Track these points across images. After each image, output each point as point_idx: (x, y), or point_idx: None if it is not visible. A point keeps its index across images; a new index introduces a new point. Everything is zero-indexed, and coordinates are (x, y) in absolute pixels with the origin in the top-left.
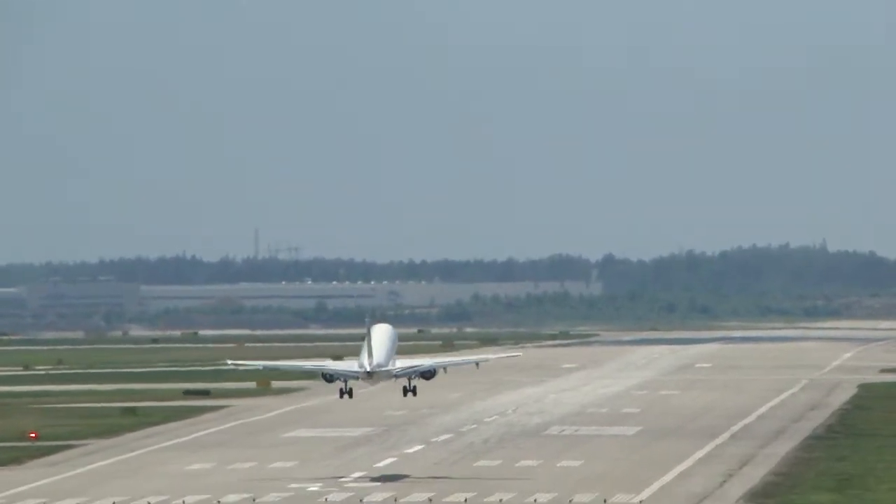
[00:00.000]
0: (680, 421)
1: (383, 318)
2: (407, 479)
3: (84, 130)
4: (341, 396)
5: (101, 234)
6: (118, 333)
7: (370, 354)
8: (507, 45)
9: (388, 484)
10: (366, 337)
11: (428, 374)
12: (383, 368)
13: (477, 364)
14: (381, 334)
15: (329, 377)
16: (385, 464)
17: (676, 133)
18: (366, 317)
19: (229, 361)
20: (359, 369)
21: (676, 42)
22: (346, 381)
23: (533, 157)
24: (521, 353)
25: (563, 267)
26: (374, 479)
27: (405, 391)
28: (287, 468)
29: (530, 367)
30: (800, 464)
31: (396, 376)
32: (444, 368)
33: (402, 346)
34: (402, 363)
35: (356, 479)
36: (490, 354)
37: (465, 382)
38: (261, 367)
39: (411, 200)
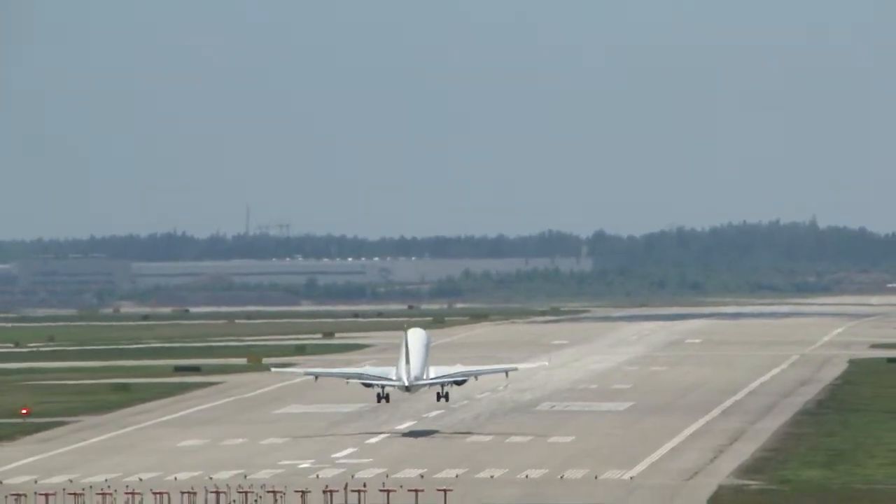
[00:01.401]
0: (671, 397)
1: (374, 295)
2: (436, 435)
3: (75, 109)
4: (378, 401)
5: (92, 211)
6: (109, 310)
7: (407, 362)
8: (496, 23)
9: (382, 459)
10: (403, 343)
11: (460, 381)
12: (420, 382)
13: (506, 373)
14: (417, 342)
15: (368, 384)
16: (377, 440)
17: (667, 110)
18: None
19: (273, 370)
20: (396, 381)
21: (661, 21)
22: (383, 387)
23: (523, 135)
24: (547, 363)
25: (553, 243)
26: (405, 435)
27: (438, 397)
28: (278, 445)
29: (521, 344)
30: (790, 439)
31: (431, 385)
32: (476, 377)
33: (392, 324)
34: (435, 371)
35: (348, 456)
36: (519, 364)
37: (455, 359)
38: (303, 373)
39: (402, 177)
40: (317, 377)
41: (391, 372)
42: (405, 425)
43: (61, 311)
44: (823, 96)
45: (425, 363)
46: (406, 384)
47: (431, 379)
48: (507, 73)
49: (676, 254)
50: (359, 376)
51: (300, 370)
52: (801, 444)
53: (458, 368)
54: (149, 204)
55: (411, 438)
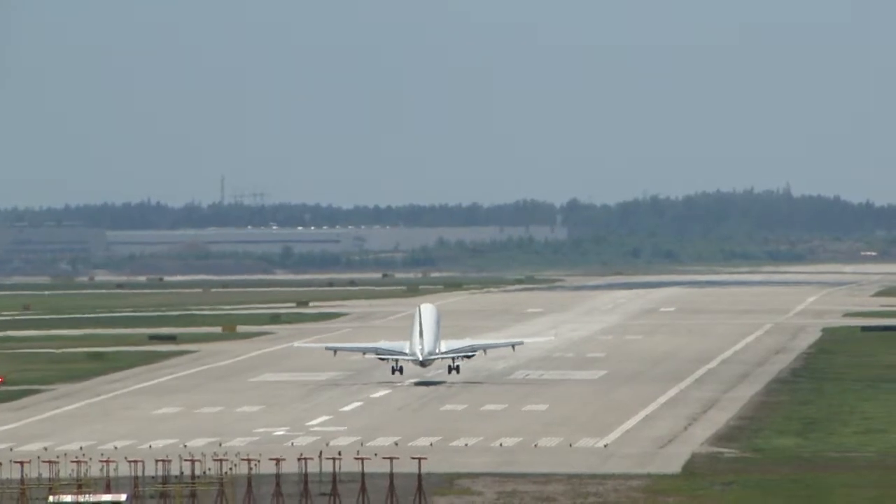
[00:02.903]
0: (645, 365)
1: (348, 263)
2: (444, 384)
3: (51, 78)
4: (393, 373)
5: (67, 179)
6: (84, 279)
7: (421, 337)
8: None
9: (357, 427)
10: (415, 318)
11: (470, 354)
12: (433, 356)
13: (513, 347)
14: (429, 318)
15: (383, 357)
16: (351, 408)
17: (640, 78)
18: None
19: (295, 344)
20: (410, 355)
21: None
22: (397, 361)
23: (497, 103)
24: (553, 338)
25: (528, 211)
26: (417, 384)
27: (450, 369)
28: (253, 412)
29: (496, 312)
30: (764, 408)
31: (443, 359)
32: (484, 350)
33: (367, 292)
34: (446, 345)
35: (322, 423)
36: (526, 338)
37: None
38: (323, 348)
39: (376, 145)
40: (336, 351)
41: (405, 346)
42: (379, 394)
43: (36, 279)
44: (797, 64)
45: (437, 338)
46: (420, 358)
47: (443, 353)
48: (481, 42)
49: (651, 222)
50: (375, 350)
51: (320, 345)
52: (774, 413)
53: (468, 342)
54: (124, 173)
55: (385, 406)
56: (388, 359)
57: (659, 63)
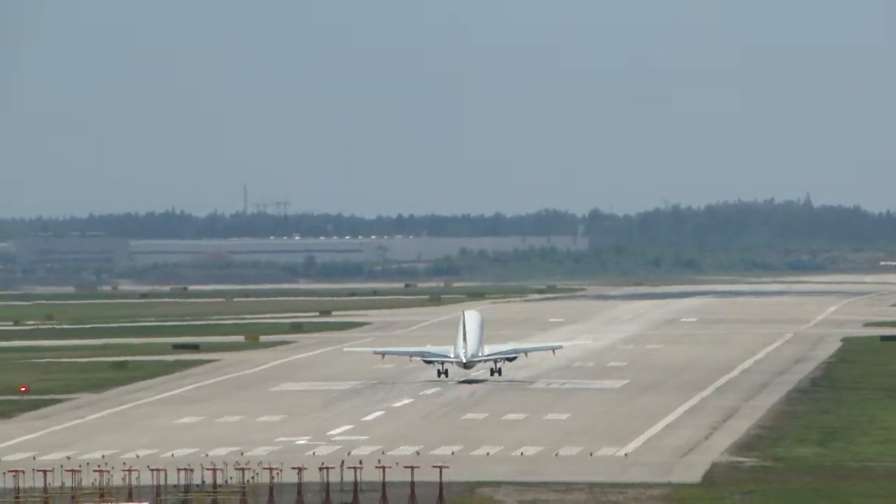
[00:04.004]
0: (665, 375)
1: (371, 273)
2: (485, 382)
3: (74, 87)
4: (438, 376)
5: (90, 189)
6: (108, 288)
7: (465, 341)
8: (491, 4)
9: (378, 436)
10: (459, 323)
11: (511, 357)
12: (476, 359)
13: (553, 351)
14: (473, 323)
15: (429, 361)
16: (373, 417)
17: (660, 89)
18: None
19: (345, 349)
20: (454, 358)
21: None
22: (443, 363)
23: (520, 113)
24: (591, 342)
25: (550, 222)
26: (460, 382)
27: (492, 372)
28: (275, 422)
29: (518, 321)
30: (784, 417)
31: (486, 362)
32: (525, 353)
33: (390, 301)
34: (489, 349)
35: (344, 433)
36: (564, 342)
37: (451, 336)
38: (371, 352)
39: (399, 155)
40: (384, 355)
41: (450, 350)
42: (401, 403)
43: (60, 289)
44: (819, 75)
45: (480, 342)
46: (464, 361)
47: (486, 356)
48: (502, 52)
49: (671, 232)
50: (421, 354)
51: (369, 349)
52: (794, 422)
53: (510, 346)
54: (147, 182)
55: (407, 415)
56: (433, 361)
57: (677, 74)
